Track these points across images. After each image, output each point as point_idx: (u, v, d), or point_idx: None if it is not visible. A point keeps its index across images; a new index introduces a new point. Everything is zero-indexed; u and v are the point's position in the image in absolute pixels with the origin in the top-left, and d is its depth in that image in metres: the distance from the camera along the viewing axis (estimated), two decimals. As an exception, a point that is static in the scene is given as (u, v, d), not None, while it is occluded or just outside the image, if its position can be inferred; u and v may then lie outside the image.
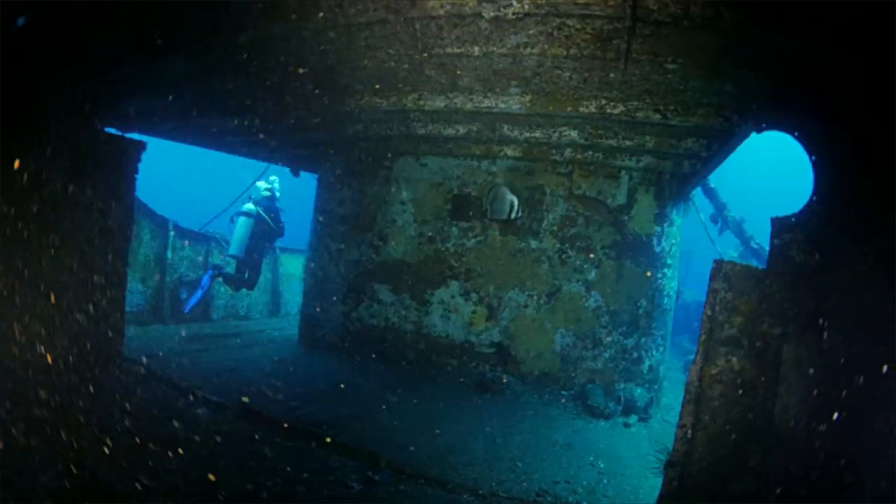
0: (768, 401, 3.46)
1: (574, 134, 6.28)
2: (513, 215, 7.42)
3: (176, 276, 10.53)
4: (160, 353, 7.47)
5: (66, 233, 5.54)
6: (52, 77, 4.87)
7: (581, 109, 5.26)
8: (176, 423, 4.97)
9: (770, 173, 47.36)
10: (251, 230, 9.99)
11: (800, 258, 3.47)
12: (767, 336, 3.51)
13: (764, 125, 4.23)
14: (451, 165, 8.15)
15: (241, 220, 10.04)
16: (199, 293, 9.88)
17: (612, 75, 4.58)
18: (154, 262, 10.12)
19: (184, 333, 9.16)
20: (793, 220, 3.55)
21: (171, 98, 6.18)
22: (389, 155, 8.44)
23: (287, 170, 10.50)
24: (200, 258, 11.34)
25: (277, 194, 10.61)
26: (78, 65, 4.95)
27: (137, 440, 4.47)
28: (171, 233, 10.35)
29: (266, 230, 10.29)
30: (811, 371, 3.29)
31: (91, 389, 5.44)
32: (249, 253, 10.06)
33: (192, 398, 5.81)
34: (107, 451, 4.21)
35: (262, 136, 7.64)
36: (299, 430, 5.05)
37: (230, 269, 10.79)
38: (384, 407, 6.14)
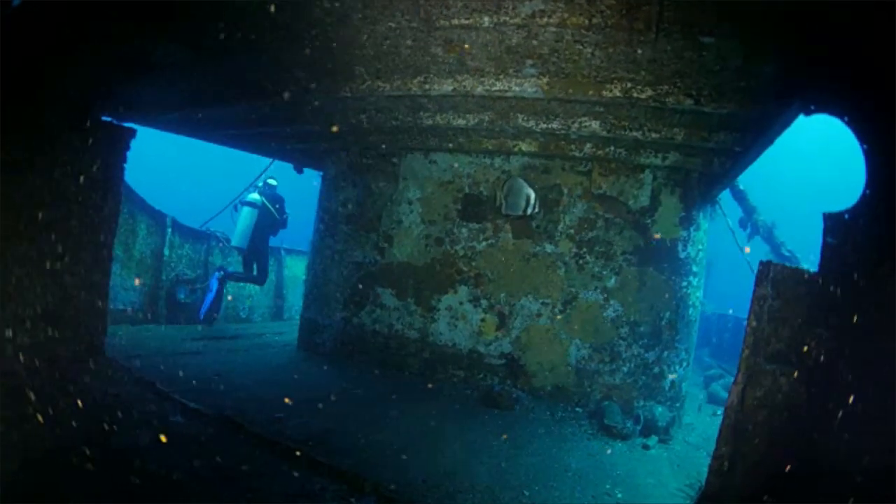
0: (821, 428, 2.89)
1: (595, 125, 5.69)
2: (529, 210, 6.84)
3: (173, 275, 10.11)
4: (146, 354, 7.04)
5: (45, 221, 5.21)
6: (38, 59, 4.50)
7: (605, 94, 4.66)
8: (143, 432, 4.47)
9: (803, 175, 46.33)
10: (255, 221, 9.65)
11: (854, 259, 2.92)
12: (821, 351, 2.96)
13: (812, 107, 3.66)
14: (462, 163, 7.64)
15: (246, 210, 9.75)
16: (209, 297, 9.50)
17: (639, 52, 4.01)
18: (150, 259, 9.70)
19: (177, 335, 8.74)
20: (846, 216, 3.01)
21: (165, 86, 5.82)
22: (396, 151, 7.96)
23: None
24: (200, 256, 10.93)
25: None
26: (66, 49, 4.57)
27: (95, 448, 4.00)
28: (169, 229, 9.93)
29: (271, 221, 9.98)
30: (871, 393, 2.72)
31: (60, 389, 5.01)
32: (254, 244, 9.73)
33: (169, 404, 5.35)
34: (56, 459, 3.74)
35: (260, 127, 7.21)
36: (280, 446, 4.52)
37: (235, 267, 10.47)
38: (382, 421, 5.61)
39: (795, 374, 2.98)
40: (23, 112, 4.72)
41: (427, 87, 5.07)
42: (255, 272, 10.31)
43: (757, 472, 3.03)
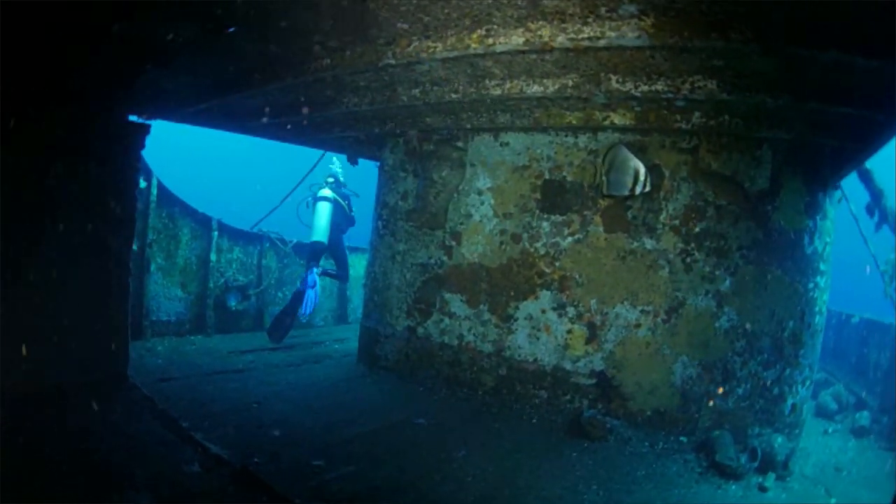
0: None
1: (712, 85, 4.32)
2: (638, 189, 5.53)
3: (222, 281, 9.36)
4: (181, 376, 6.27)
5: (54, 230, 4.70)
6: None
7: (732, 36, 3.37)
8: (145, 493, 3.54)
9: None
10: (331, 216, 9.15)
11: None
12: None
13: None
14: (540, 143, 6.44)
15: (321, 204, 9.20)
16: (312, 294, 8.94)
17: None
18: (196, 265, 8.97)
19: (224, 347, 7.99)
20: None
21: (181, 74, 5.00)
22: (461, 133, 6.86)
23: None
24: (253, 260, 10.19)
25: (341, 178, 9.86)
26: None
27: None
28: (216, 232, 9.16)
29: (343, 217, 9.57)
30: None
31: (55, 433, 4.21)
32: (332, 240, 9.25)
33: (189, 447, 4.44)
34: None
35: (296, 116, 6.24)
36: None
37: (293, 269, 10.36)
38: (447, 466, 4.52)
39: None
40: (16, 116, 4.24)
41: (490, 41, 3.84)
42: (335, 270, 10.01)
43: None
